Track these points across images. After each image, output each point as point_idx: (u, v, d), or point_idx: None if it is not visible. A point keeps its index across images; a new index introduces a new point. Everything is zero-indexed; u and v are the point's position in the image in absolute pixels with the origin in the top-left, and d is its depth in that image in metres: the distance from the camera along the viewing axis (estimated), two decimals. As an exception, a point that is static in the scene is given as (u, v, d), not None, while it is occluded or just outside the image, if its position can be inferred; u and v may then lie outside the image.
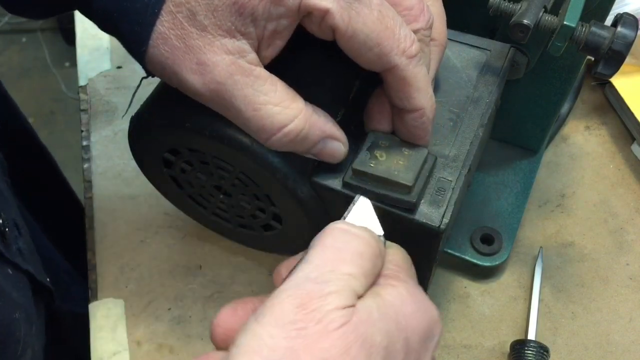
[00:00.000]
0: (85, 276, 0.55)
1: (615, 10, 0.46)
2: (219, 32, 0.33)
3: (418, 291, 0.33)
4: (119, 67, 0.68)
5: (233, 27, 0.33)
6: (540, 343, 0.49)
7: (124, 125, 0.61)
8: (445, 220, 0.37)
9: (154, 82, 0.40)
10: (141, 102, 0.41)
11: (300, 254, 0.34)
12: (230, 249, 0.56)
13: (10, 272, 0.48)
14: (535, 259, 0.54)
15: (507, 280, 0.54)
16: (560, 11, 0.40)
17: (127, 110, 0.42)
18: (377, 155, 0.38)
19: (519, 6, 0.40)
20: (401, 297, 0.31)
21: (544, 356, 0.48)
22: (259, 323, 0.29)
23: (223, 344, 0.33)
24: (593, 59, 0.40)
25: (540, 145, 0.58)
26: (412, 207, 0.37)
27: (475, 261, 0.52)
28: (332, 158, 0.38)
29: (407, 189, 0.37)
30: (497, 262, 0.52)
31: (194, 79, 0.34)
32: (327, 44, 0.35)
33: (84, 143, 0.63)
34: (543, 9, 0.39)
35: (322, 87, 0.40)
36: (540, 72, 0.50)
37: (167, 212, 0.58)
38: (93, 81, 0.67)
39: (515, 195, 0.56)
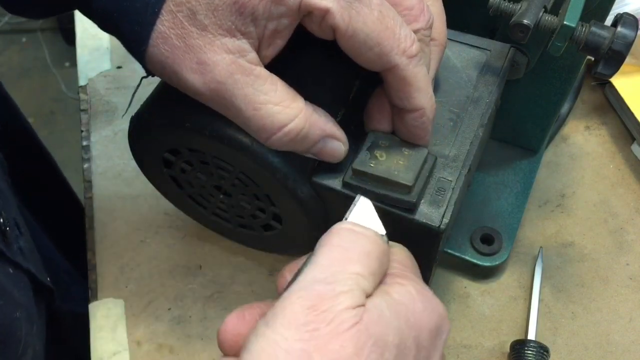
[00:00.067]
0: (85, 276, 0.55)
1: (615, 10, 0.46)
2: (219, 31, 0.33)
3: (425, 289, 0.33)
4: (119, 67, 0.68)
5: (233, 27, 0.33)
6: (540, 343, 0.49)
7: (124, 125, 0.61)
8: (445, 220, 0.37)
9: (154, 81, 0.40)
10: (141, 102, 0.41)
11: (304, 256, 0.34)
12: (230, 249, 0.56)
13: (11, 271, 0.48)
14: (535, 259, 0.54)
15: (507, 280, 0.54)
16: (560, 11, 0.40)
17: (127, 110, 0.42)
18: (377, 155, 0.38)
19: (519, 6, 0.40)
20: (410, 295, 0.32)
21: (544, 356, 0.48)
22: (270, 327, 0.29)
23: (231, 350, 0.33)
24: (593, 59, 0.40)
25: (540, 145, 0.58)
26: (412, 207, 0.37)
27: (475, 261, 0.52)
28: (332, 157, 0.38)
29: (407, 189, 0.37)
30: (497, 262, 0.52)
31: (194, 79, 0.34)
32: (327, 44, 0.35)
33: (84, 143, 0.63)
34: (543, 9, 0.39)
35: (322, 87, 0.40)
36: (540, 72, 0.50)
37: (167, 212, 0.58)
38: (93, 81, 0.67)
39: (515, 195, 0.56)
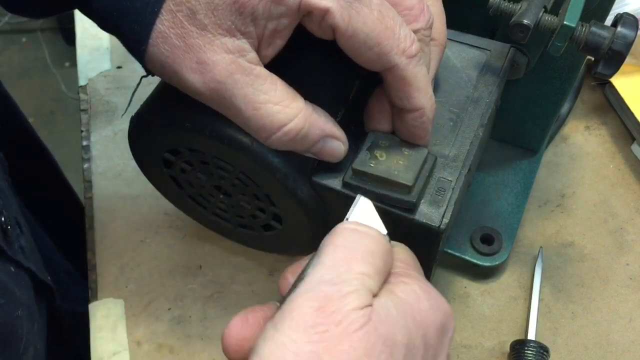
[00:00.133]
0: (86, 276, 0.55)
1: (615, 10, 0.46)
2: (219, 31, 0.33)
3: (430, 287, 0.33)
4: (119, 67, 0.68)
5: (233, 26, 0.33)
6: (540, 343, 0.49)
7: (124, 125, 0.61)
8: (445, 220, 0.37)
9: (154, 81, 0.40)
10: (141, 102, 0.41)
11: (306, 258, 0.34)
12: (230, 249, 0.56)
13: (13, 269, 0.48)
14: (535, 259, 0.54)
15: (507, 280, 0.54)
16: (560, 11, 0.40)
17: (126, 110, 0.42)
18: (377, 155, 0.38)
19: (519, 6, 0.40)
20: (415, 294, 0.32)
21: (544, 356, 0.48)
22: (279, 330, 0.29)
23: (237, 355, 0.33)
24: (593, 59, 0.40)
25: (540, 145, 0.58)
26: (412, 207, 0.37)
27: (475, 261, 0.52)
28: (331, 157, 0.38)
29: (407, 189, 0.37)
30: (497, 262, 0.52)
31: (193, 78, 0.34)
32: (327, 44, 0.35)
33: (84, 143, 0.63)
34: (543, 9, 0.39)
35: (322, 87, 0.40)
36: (540, 72, 0.50)
37: (167, 212, 0.58)
38: (93, 81, 0.67)
39: (515, 195, 0.56)
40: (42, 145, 0.77)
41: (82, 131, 0.64)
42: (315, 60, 0.40)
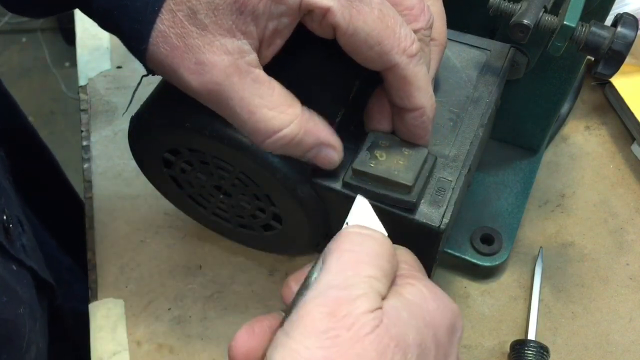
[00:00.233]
0: (87, 275, 0.55)
1: (615, 10, 0.46)
2: (220, 31, 0.33)
3: (436, 287, 0.33)
4: (119, 67, 0.68)
5: (234, 26, 0.33)
6: (540, 343, 0.49)
7: (124, 125, 0.61)
8: (445, 220, 0.37)
9: (154, 81, 0.40)
10: (141, 102, 0.41)
11: (308, 265, 0.34)
12: (230, 249, 0.56)
13: (15, 268, 0.48)
14: (535, 259, 0.54)
15: (507, 280, 0.54)
16: (560, 11, 0.40)
17: (126, 109, 0.42)
18: (377, 155, 0.38)
19: (519, 6, 0.40)
20: (422, 294, 0.32)
21: (544, 356, 0.48)
22: (291, 337, 0.28)
23: None
24: (593, 59, 0.40)
25: (540, 145, 0.58)
26: (412, 207, 0.37)
27: (475, 261, 0.52)
28: (326, 164, 0.38)
29: (407, 189, 0.37)
30: (497, 262, 0.52)
31: (192, 79, 0.34)
32: (327, 43, 0.35)
33: (84, 143, 0.63)
34: (543, 9, 0.39)
35: (322, 87, 0.40)
36: (540, 72, 0.50)
37: (167, 212, 0.58)
38: (93, 81, 0.67)
39: (515, 195, 0.56)
40: (43, 145, 0.77)
41: (82, 131, 0.64)
42: (315, 60, 0.40)
